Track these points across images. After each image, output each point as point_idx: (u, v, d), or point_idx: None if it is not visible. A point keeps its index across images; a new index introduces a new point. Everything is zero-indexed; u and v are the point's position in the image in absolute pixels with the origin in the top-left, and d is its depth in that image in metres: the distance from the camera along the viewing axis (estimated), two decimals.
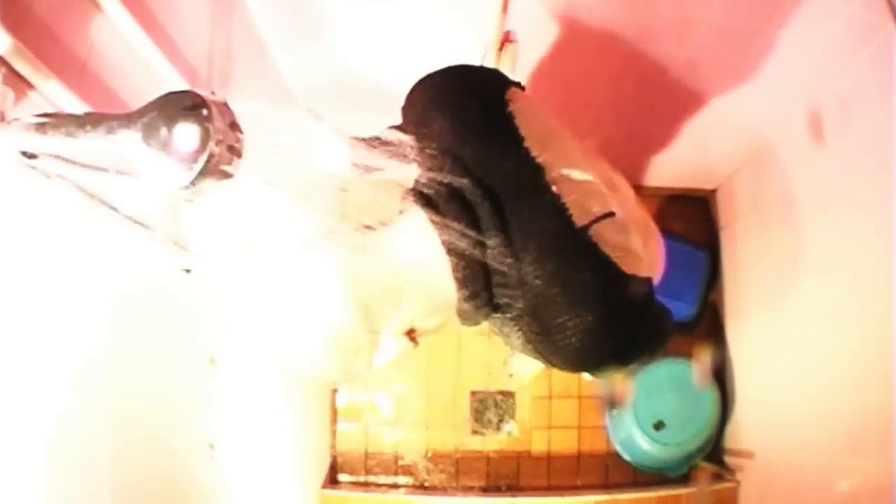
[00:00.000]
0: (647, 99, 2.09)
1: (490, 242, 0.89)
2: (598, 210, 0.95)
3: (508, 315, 0.95)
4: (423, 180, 0.91)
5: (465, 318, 0.97)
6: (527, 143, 0.96)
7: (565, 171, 0.95)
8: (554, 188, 0.93)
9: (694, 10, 1.70)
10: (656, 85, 2.01)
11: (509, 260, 0.89)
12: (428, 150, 0.93)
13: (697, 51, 1.85)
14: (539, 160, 0.95)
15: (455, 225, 0.87)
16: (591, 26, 1.75)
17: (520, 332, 0.96)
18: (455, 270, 0.89)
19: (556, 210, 0.93)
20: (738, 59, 1.87)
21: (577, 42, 1.78)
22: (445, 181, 0.90)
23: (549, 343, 0.93)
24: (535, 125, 0.98)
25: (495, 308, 0.94)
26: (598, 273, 0.92)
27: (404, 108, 1.04)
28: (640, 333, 1.00)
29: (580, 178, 0.96)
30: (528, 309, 0.91)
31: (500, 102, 0.99)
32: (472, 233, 0.88)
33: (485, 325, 1.02)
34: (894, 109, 1.47)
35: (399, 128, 1.02)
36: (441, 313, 0.96)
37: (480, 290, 0.91)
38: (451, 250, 0.88)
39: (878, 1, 1.49)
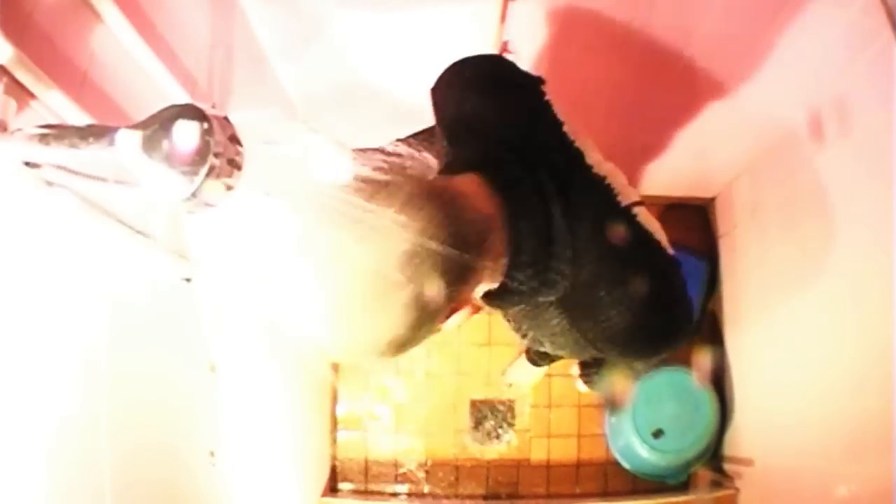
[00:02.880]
0: (646, 107, 2.10)
1: (553, 212, 0.89)
2: (631, 195, 0.98)
3: (551, 297, 0.95)
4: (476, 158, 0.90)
5: (503, 297, 0.96)
6: (565, 129, 0.98)
7: (597, 159, 0.98)
8: (595, 170, 0.95)
9: (692, 19, 1.71)
10: (654, 93, 2.02)
11: (566, 235, 0.89)
12: (470, 128, 0.94)
13: (696, 59, 1.85)
14: (577, 145, 0.97)
15: (525, 199, 0.86)
16: (590, 36, 1.76)
17: (562, 317, 0.97)
18: (511, 244, 0.85)
19: (604, 188, 0.95)
20: (737, 66, 1.88)
21: (575, 52, 1.78)
22: (505, 160, 0.90)
23: (594, 324, 0.93)
24: (564, 116, 1.01)
25: (542, 285, 0.93)
26: (648, 249, 0.95)
27: (436, 90, 1.06)
28: (682, 313, 1.01)
29: (608, 167, 0.99)
30: (577, 286, 0.91)
31: (538, 90, 1.02)
32: (538, 207, 0.87)
33: (484, 332, 1.02)
34: (894, 116, 1.48)
35: (435, 113, 1.05)
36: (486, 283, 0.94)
37: (536, 261, 0.89)
38: (513, 221, 0.85)
39: (876, 7, 1.49)
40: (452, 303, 0.79)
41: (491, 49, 1.48)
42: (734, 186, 2.52)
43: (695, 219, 2.73)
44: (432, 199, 0.75)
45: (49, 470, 0.90)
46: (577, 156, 0.97)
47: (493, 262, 0.84)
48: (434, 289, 0.72)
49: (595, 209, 0.93)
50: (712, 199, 2.71)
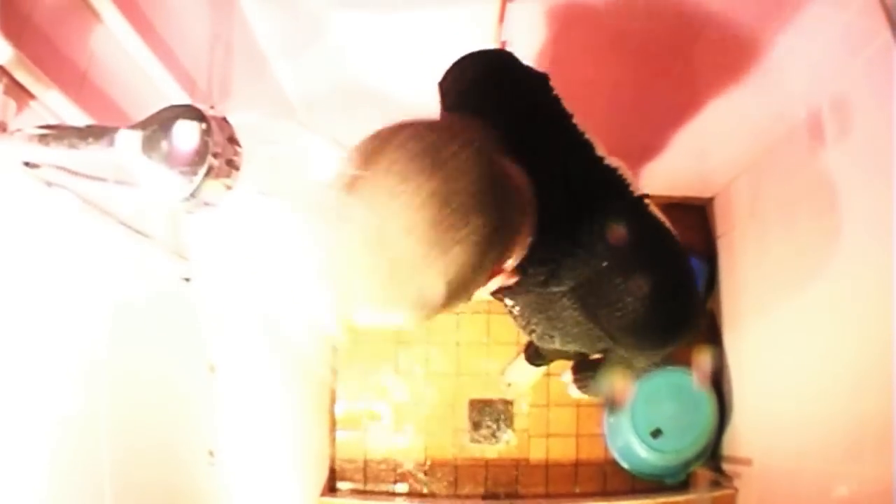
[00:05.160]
0: (644, 107, 2.10)
1: (572, 200, 0.89)
2: (639, 187, 0.99)
3: (564, 287, 0.95)
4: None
5: (514, 290, 0.96)
6: (575, 121, 0.99)
7: (604, 153, 0.99)
8: (606, 161, 0.96)
9: (691, 19, 1.71)
10: (653, 93, 2.02)
11: (583, 224, 0.90)
12: (484, 122, 0.95)
13: (694, 60, 1.86)
14: (586, 137, 0.98)
15: (546, 180, 0.85)
16: (588, 36, 1.76)
17: (576, 306, 0.97)
18: (541, 222, 0.85)
19: (617, 178, 0.96)
20: (735, 67, 1.88)
21: (573, 52, 1.78)
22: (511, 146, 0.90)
23: (611, 312, 0.93)
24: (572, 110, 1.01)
25: (553, 276, 0.94)
26: (662, 237, 0.96)
27: (443, 82, 1.07)
28: (693, 303, 1.02)
29: (615, 160, 1.00)
30: (591, 276, 0.92)
31: (547, 85, 1.04)
32: (544, 195, 0.86)
33: (482, 332, 1.03)
34: (892, 116, 1.48)
35: (441, 105, 1.05)
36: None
37: (560, 246, 0.90)
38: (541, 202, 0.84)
39: (874, 7, 1.49)
40: (494, 267, 0.79)
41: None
42: (733, 186, 2.53)
43: (693, 219, 2.73)
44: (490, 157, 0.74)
45: (49, 469, 0.90)
46: (588, 147, 0.98)
47: (524, 241, 0.84)
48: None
49: (609, 198, 0.94)
50: (711, 199, 2.71)
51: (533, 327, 1.18)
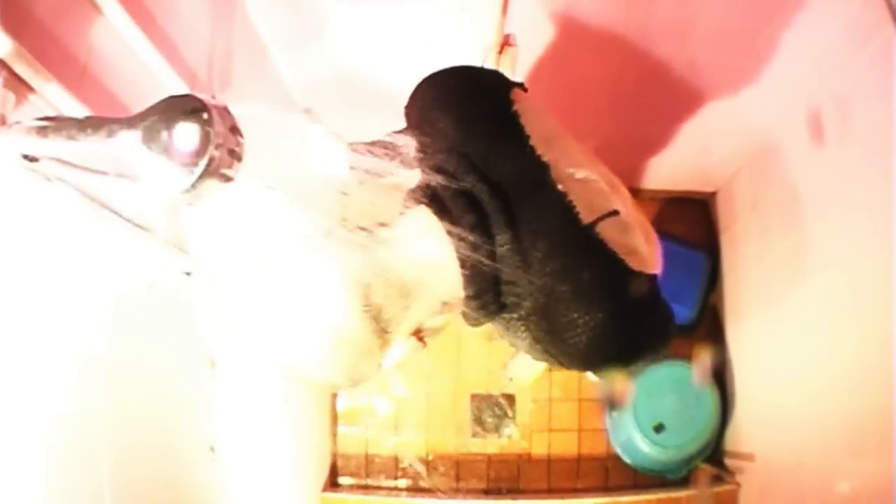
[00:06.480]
0: (647, 101, 2.09)
1: (499, 239, 0.88)
2: (602, 208, 0.95)
3: (515, 315, 0.95)
4: (429, 178, 0.89)
5: (471, 317, 0.97)
6: (532, 142, 0.95)
7: (569, 170, 0.96)
8: (559, 186, 0.93)
9: (693, 12, 1.70)
10: (656, 87, 2.01)
11: (518, 258, 0.88)
12: (431, 149, 0.93)
13: (697, 53, 1.85)
14: (544, 158, 0.95)
15: (463, 221, 0.87)
16: (591, 29, 1.76)
17: (527, 332, 0.96)
18: (462, 268, 0.87)
19: (563, 207, 0.92)
20: (738, 61, 1.88)
21: (576, 45, 1.78)
22: (451, 179, 0.89)
23: (557, 342, 0.92)
24: (539, 125, 0.98)
25: (502, 307, 0.94)
26: (607, 269, 0.92)
27: (407, 108, 1.04)
28: (649, 330, 1.00)
29: (584, 176, 0.96)
30: (536, 307, 0.91)
31: (504, 101, 0.99)
32: (479, 230, 0.87)
33: (486, 327, 1.02)
34: (894, 110, 1.47)
35: (403, 129, 1.02)
36: (447, 312, 0.96)
37: (488, 288, 0.90)
38: (458, 248, 0.86)
39: (877, 2, 1.49)
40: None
41: (491, 42, 1.48)
42: (735, 181, 2.52)
43: (696, 213, 2.73)
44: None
45: (48, 464, 0.90)
46: (541, 170, 0.94)
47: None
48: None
49: (552, 231, 0.91)
50: (713, 194, 2.71)
51: (505, 338, 1.18)
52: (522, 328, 0.96)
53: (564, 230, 0.92)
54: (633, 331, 0.96)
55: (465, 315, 0.97)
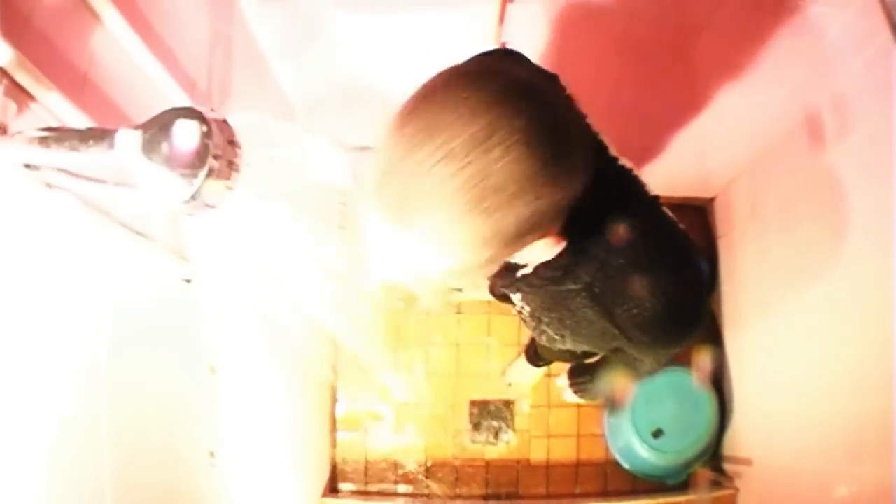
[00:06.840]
0: (644, 108, 2.10)
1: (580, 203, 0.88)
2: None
3: (581, 284, 0.95)
4: None
5: (529, 289, 0.95)
6: (588, 120, 0.99)
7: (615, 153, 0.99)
8: (621, 161, 0.97)
9: (689, 20, 1.71)
10: (653, 94, 2.02)
11: (602, 222, 0.90)
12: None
13: (694, 60, 1.86)
14: (600, 137, 0.99)
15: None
16: (588, 37, 1.76)
17: (592, 305, 0.96)
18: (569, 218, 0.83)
19: (633, 178, 0.96)
20: (735, 68, 1.88)
21: (573, 53, 1.78)
22: None
23: (628, 309, 0.93)
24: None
25: (569, 272, 0.94)
26: (677, 236, 0.97)
27: None
28: (705, 297, 1.03)
29: (626, 160, 1.00)
30: (610, 272, 0.91)
31: (559, 84, 1.03)
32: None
33: (483, 332, 1.03)
34: (892, 116, 1.48)
35: None
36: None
37: (572, 250, 0.89)
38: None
39: (874, 8, 1.50)
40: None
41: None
42: (733, 187, 2.53)
43: (694, 219, 2.73)
44: None
45: (50, 470, 0.91)
46: (603, 147, 0.99)
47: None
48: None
49: (627, 198, 0.94)
50: (711, 200, 2.71)
51: (544, 328, 1.18)
52: (587, 300, 0.96)
53: (637, 199, 0.96)
54: (696, 296, 0.98)
55: (492, 287, 0.96)
